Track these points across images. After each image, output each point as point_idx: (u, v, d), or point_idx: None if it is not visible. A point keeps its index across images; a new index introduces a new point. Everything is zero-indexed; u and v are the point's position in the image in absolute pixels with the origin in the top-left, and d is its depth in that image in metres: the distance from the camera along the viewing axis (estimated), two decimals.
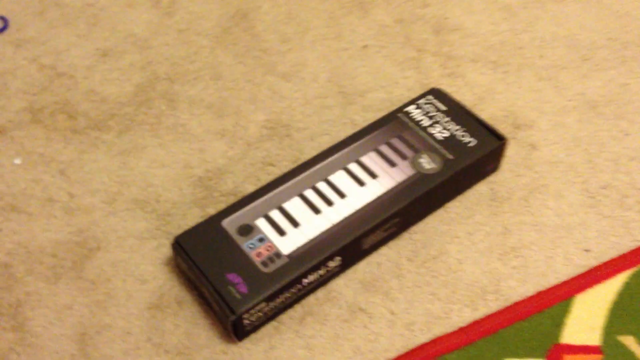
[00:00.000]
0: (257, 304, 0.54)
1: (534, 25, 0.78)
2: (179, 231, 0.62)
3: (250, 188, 0.65)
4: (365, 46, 0.76)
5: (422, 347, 0.55)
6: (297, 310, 0.57)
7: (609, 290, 0.58)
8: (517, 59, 0.74)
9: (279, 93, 0.72)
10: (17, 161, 0.66)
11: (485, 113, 0.70)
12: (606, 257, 0.60)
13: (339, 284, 0.59)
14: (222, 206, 0.63)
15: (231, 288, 0.54)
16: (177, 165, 0.66)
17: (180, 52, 0.76)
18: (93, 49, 0.77)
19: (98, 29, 0.78)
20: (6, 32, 0.77)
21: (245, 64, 0.75)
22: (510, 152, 0.67)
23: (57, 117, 0.70)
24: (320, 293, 0.58)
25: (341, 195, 0.60)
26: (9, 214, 0.63)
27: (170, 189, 0.65)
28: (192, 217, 0.63)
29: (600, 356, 0.54)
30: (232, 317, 0.53)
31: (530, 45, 0.76)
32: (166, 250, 0.61)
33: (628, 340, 0.55)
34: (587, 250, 0.60)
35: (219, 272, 0.55)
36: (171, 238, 0.61)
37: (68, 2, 0.82)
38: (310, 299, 0.58)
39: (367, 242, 0.59)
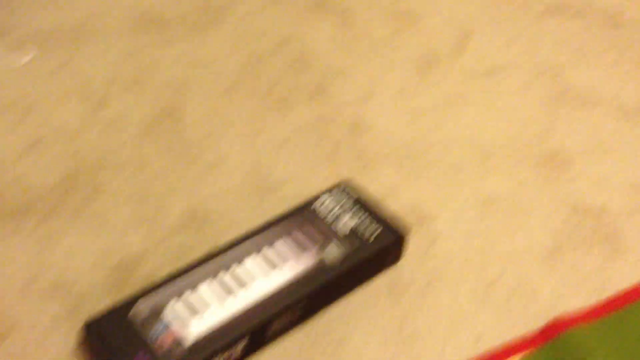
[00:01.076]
0: None
1: (439, 126, 0.84)
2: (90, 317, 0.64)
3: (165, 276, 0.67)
4: (285, 141, 0.81)
5: None
6: None
7: None
8: (424, 157, 0.80)
9: (200, 184, 0.76)
10: None
11: (393, 205, 0.75)
12: (495, 345, 0.64)
13: None
14: (135, 293, 0.66)
15: None
16: (94, 252, 0.69)
17: (107, 143, 0.80)
18: (22, 139, 0.80)
19: (29, 120, 0.82)
20: None
21: (169, 156, 0.79)
22: (413, 244, 0.71)
23: None
24: None
25: (244, 283, 0.63)
26: None
27: (86, 276, 0.67)
28: (105, 304, 0.65)
29: None
30: None
31: (436, 144, 0.82)
32: (76, 336, 0.63)
33: None
34: (478, 339, 0.64)
35: (126, 357, 0.57)
36: (82, 324, 0.63)
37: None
38: None
39: (271, 329, 0.62)
